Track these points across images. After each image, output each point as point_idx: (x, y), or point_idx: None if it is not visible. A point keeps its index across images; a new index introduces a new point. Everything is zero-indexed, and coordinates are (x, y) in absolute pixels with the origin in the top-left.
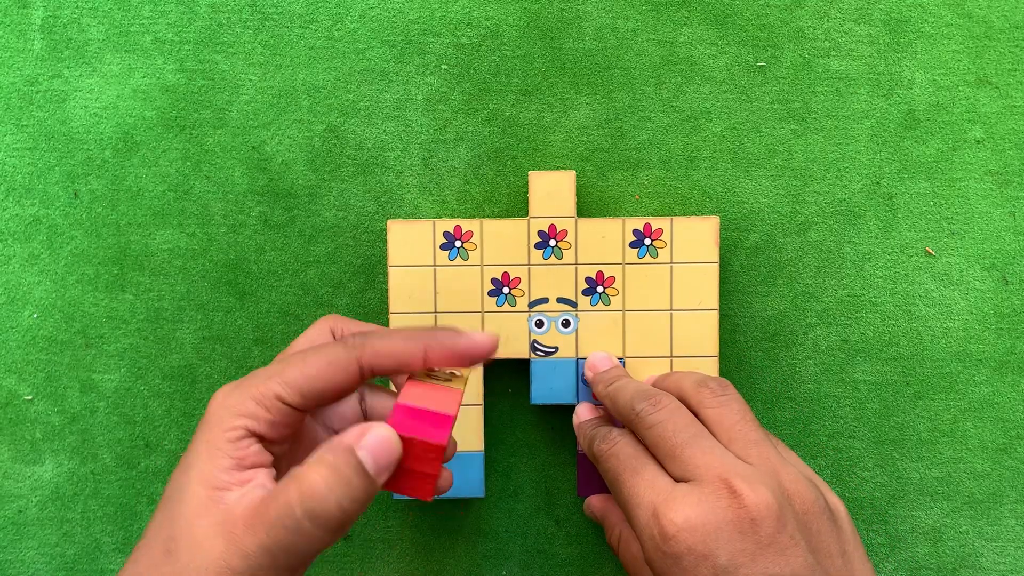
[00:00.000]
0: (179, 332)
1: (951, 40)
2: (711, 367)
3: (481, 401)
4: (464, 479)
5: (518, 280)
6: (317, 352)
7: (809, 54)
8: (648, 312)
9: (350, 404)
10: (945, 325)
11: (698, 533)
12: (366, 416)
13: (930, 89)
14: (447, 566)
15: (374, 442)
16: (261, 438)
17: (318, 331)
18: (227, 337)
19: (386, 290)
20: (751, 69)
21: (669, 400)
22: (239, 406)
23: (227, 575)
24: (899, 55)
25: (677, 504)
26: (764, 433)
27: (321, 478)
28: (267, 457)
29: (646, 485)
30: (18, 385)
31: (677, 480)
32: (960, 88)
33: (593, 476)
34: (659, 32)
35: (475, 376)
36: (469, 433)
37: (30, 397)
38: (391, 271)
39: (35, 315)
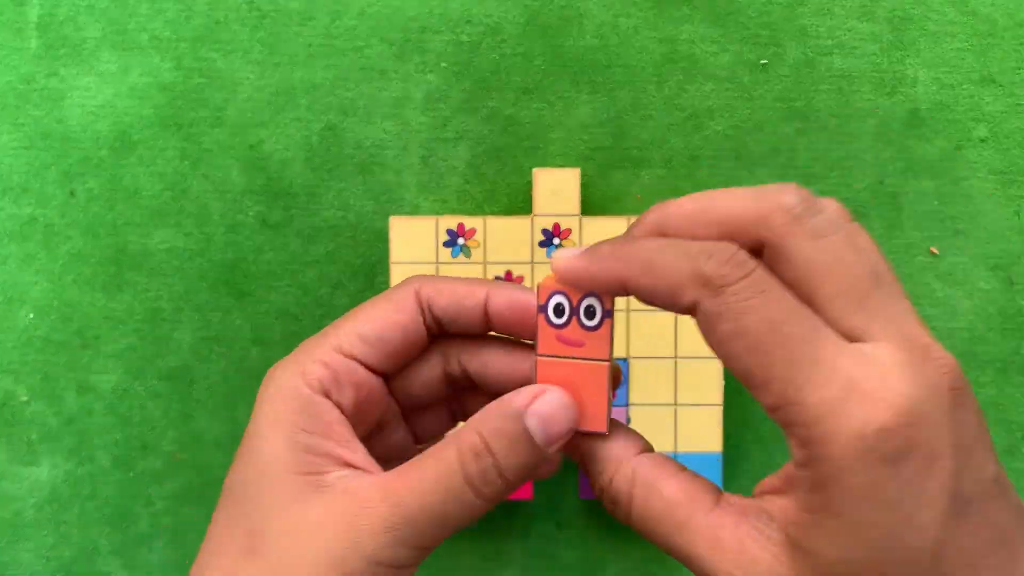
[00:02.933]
0: (177, 332)
1: (955, 38)
2: (716, 369)
3: None
4: None
5: (521, 278)
6: (373, 298)
7: (812, 52)
8: (652, 312)
9: (438, 416)
10: (950, 325)
11: (925, 421)
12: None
13: (934, 87)
14: (447, 568)
15: (547, 409)
16: (337, 406)
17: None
18: (225, 337)
19: (386, 289)
20: (754, 67)
21: (824, 203)
22: (304, 374)
23: (351, 563)
24: (903, 53)
25: (893, 378)
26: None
27: (483, 441)
28: (349, 429)
29: (832, 344)
30: (14, 386)
31: (847, 339)
32: (964, 86)
33: None
34: (661, 30)
35: None
36: None
37: (26, 398)
38: (393, 268)
39: (31, 315)
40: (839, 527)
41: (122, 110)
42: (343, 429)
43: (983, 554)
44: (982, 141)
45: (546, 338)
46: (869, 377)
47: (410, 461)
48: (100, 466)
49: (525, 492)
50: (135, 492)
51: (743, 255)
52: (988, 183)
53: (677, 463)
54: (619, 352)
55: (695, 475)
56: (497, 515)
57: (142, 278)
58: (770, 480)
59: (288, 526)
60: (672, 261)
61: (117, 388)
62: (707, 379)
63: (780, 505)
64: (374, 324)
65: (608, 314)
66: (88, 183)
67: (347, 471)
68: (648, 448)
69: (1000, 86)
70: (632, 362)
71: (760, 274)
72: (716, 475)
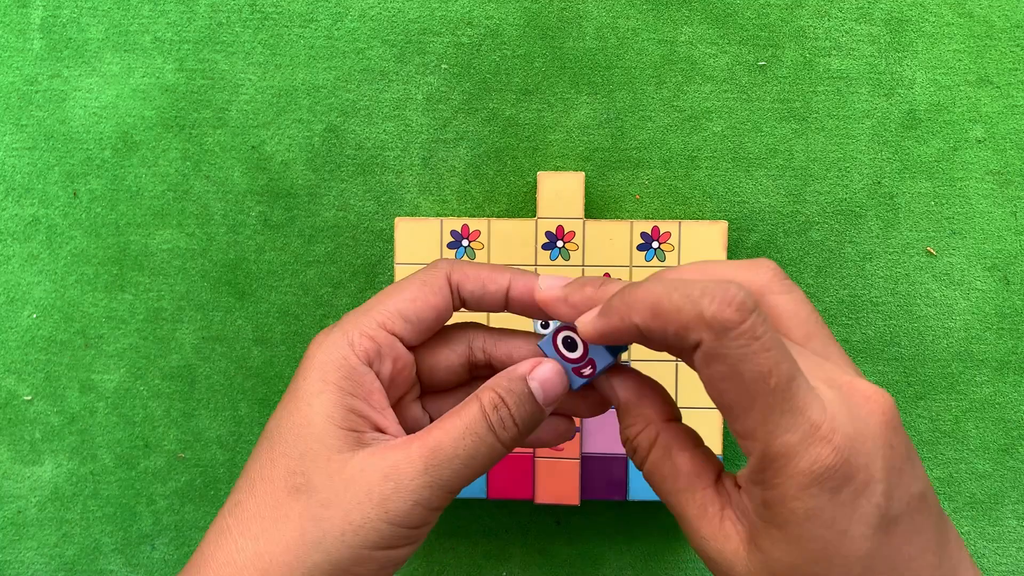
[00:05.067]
0: (178, 332)
1: (952, 40)
2: None
3: None
4: None
5: None
6: (407, 278)
7: (810, 53)
8: None
9: (454, 399)
10: (946, 325)
11: (861, 458)
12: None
13: (931, 89)
14: (447, 566)
15: (543, 375)
16: (377, 376)
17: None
18: (226, 337)
19: None
20: (752, 68)
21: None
22: (352, 345)
23: (392, 502)
24: (900, 54)
25: (837, 422)
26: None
27: (498, 396)
28: (385, 398)
29: (806, 393)
30: (17, 385)
31: None
32: (961, 88)
33: (594, 477)
34: (660, 31)
35: None
36: None
37: (29, 397)
38: (397, 268)
39: (34, 315)
40: (784, 537)
41: (125, 111)
42: (381, 397)
43: (911, 557)
44: (979, 142)
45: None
46: (824, 422)
47: (438, 420)
48: (102, 465)
49: (526, 492)
50: (137, 491)
51: (744, 297)
52: (985, 184)
53: (697, 438)
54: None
55: (707, 452)
56: (497, 512)
57: (144, 278)
58: (739, 478)
59: (333, 471)
60: (679, 303)
61: (119, 387)
62: None
63: (751, 519)
64: (414, 305)
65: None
66: (91, 184)
67: (380, 435)
68: (677, 417)
69: (997, 87)
70: (633, 365)
71: (758, 319)
72: None
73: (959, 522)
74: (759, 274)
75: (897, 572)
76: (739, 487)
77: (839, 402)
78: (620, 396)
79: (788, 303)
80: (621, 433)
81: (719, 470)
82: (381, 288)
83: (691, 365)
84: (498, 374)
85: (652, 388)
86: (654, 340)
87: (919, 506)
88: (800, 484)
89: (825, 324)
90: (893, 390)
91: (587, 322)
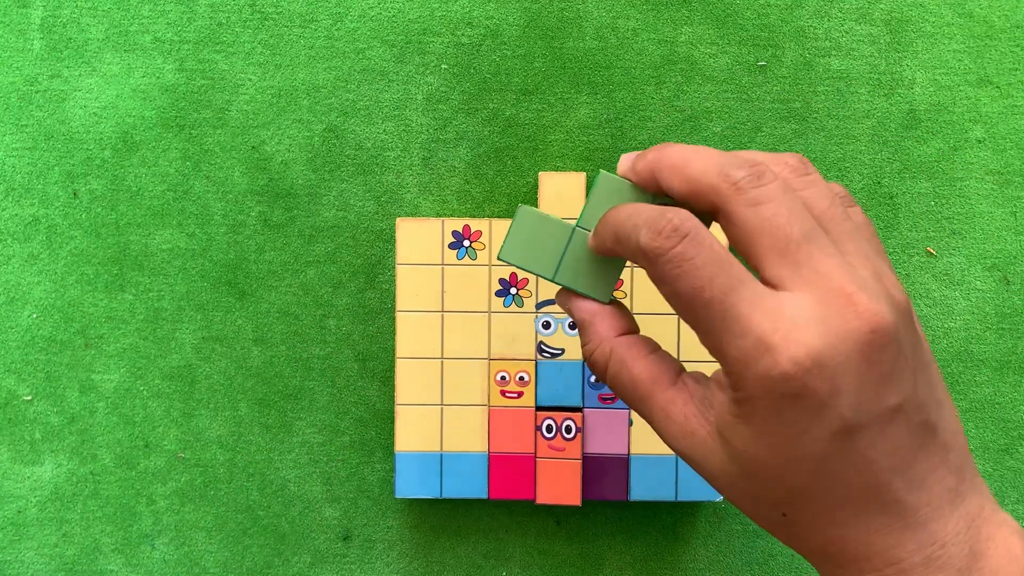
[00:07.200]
0: (179, 332)
1: (952, 40)
2: None
3: (486, 401)
4: (467, 479)
5: (526, 281)
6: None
7: (810, 54)
8: (656, 316)
9: None
10: (946, 325)
11: (825, 371)
12: None
13: (931, 89)
14: (447, 566)
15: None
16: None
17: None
18: (227, 337)
19: (387, 290)
20: (752, 69)
21: (773, 172)
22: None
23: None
24: (900, 55)
25: (799, 332)
26: (852, 220)
27: None
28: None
29: (749, 303)
30: (17, 385)
31: (774, 287)
32: (961, 88)
33: (595, 477)
34: (660, 32)
35: (481, 375)
36: (472, 433)
37: (29, 397)
38: (399, 269)
39: (34, 315)
40: (750, 432)
41: (125, 111)
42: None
43: (872, 461)
44: (979, 142)
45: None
46: (777, 331)
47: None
48: (102, 465)
49: (527, 492)
50: (137, 491)
51: (677, 224)
52: (985, 184)
53: (653, 344)
54: None
55: (663, 356)
56: (497, 512)
57: (144, 278)
58: (717, 375)
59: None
60: (626, 232)
61: (119, 387)
62: None
63: (719, 399)
64: None
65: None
66: (91, 184)
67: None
68: (632, 330)
69: (997, 87)
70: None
71: (688, 243)
72: None
73: None
74: (724, 180)
75: (852, 469)
76: (699, 384)
77: (815, 312)
78: (576, 316)
79: (754, 215)
80: (584, 356)
81: (677, 371)
82: (381, 288)
83: None
84: None
85: (606, 307)
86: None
87: (891, 418)
88: (762, 388)
89: (849, 217)
90: None
91: (624, 160)
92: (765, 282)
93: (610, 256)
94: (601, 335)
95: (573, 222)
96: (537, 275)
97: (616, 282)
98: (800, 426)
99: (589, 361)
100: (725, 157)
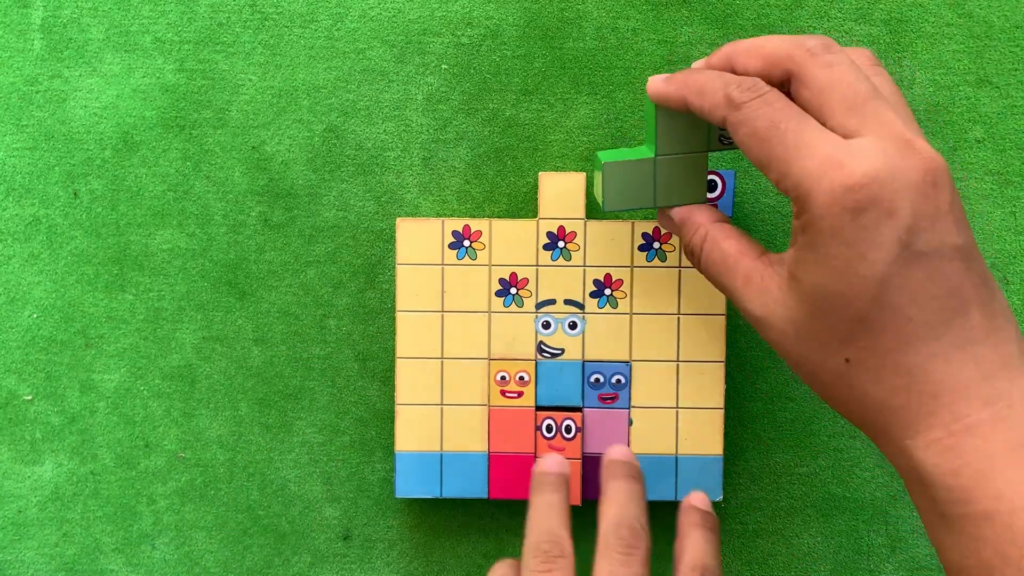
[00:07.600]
0: (179, 332)
1: (951, 40)
2: (718, 373)
3: (486, 401)
4: (467, 479)
5: (526, 281)
6: None
7: None
8: (656, 316)
9: None
10: None
11: (887, 186)
12: None
13: (930, 89)
14: (447, 566)
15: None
16: None
17: None
18: (227, 337)
19: (387, 290)
20: None
21: (839, 46)
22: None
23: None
24: (899, 55)
25: (862, 154)
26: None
27: None
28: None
29: (818, 133)
30: (18, 385)
31: (842, 136)
32: (961, 88)
33: (595, 477)
34: (660, 32)
35: (481, 375)
36: (472, 433)
37: (30, 397)
38: (399, 269)
39: (34, 315)
40: (815, 259)
41: (125, 111)
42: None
43: (930, 295)
44: (978, 142)
45: None
46: (842, 153)
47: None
48: (103, 465)
49: (527, 492)
50: (138, 490)
51: (759, 83)
52: (984, 184)
53: (741, 230)
54: (622, 356)
55: (749, 240)
56: (497, 512)
57: (144, 278)
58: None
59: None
60: (713, 88)
61: (120, 387)
62: (708, 382)
63: (789, 253)
64: None
65: None
66: (91, 184)
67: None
68: (724, 220)
69: (996, 88)
70: (634, 365)
71: (769, 96)
72: (716, 477)
73: None
74: (799, 47)
75: (913, 302)
76: (777, 255)
77: (877, 146)
78: (675, 217)
79: (826, 76)
80: (684, 248)
81: (761, 250)
82: (381, 288)
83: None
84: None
85: (698, 204)
86: (696, 111)
87: (952, 255)
88: (826, 203)
89: (888, 96)
90: None
91: (655, 82)
92: (834, 132)
93: (680, 109)
94: (697, 222)
95: (650, 156)
96: (641, 209)
97: (704, 184)
98: (862, 245)
99: (687, 249)
100: (796, 36)
